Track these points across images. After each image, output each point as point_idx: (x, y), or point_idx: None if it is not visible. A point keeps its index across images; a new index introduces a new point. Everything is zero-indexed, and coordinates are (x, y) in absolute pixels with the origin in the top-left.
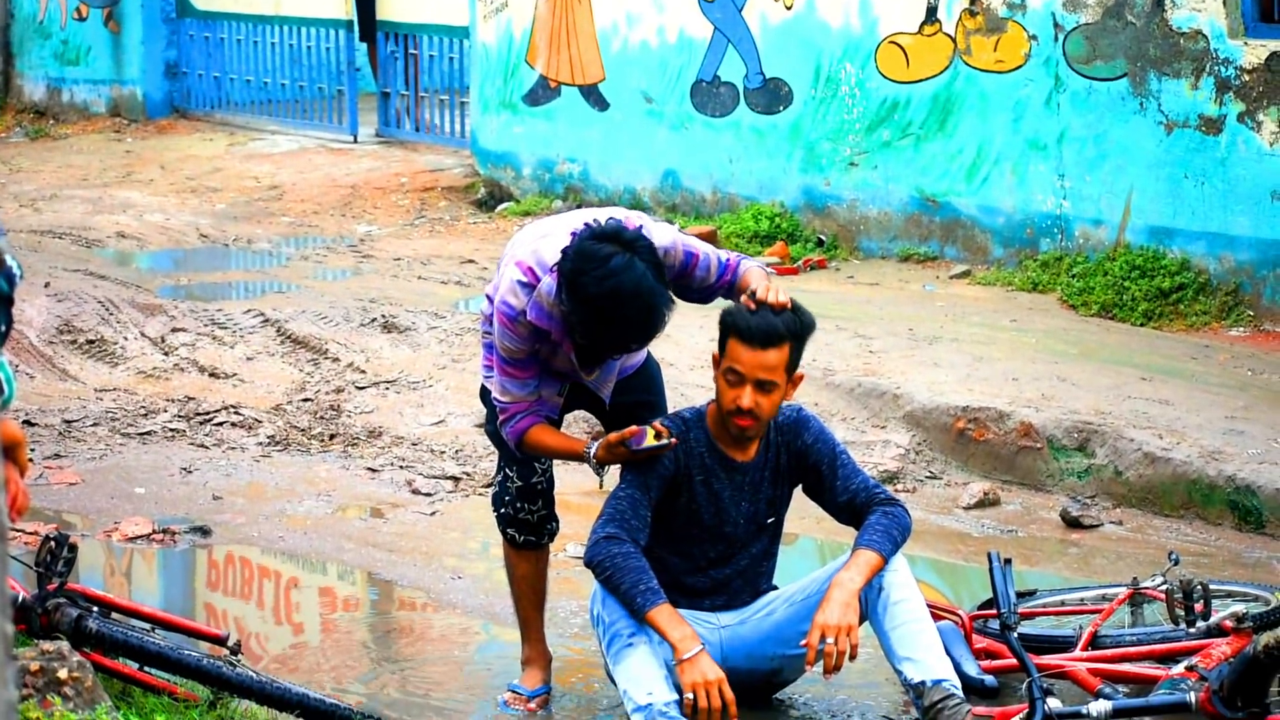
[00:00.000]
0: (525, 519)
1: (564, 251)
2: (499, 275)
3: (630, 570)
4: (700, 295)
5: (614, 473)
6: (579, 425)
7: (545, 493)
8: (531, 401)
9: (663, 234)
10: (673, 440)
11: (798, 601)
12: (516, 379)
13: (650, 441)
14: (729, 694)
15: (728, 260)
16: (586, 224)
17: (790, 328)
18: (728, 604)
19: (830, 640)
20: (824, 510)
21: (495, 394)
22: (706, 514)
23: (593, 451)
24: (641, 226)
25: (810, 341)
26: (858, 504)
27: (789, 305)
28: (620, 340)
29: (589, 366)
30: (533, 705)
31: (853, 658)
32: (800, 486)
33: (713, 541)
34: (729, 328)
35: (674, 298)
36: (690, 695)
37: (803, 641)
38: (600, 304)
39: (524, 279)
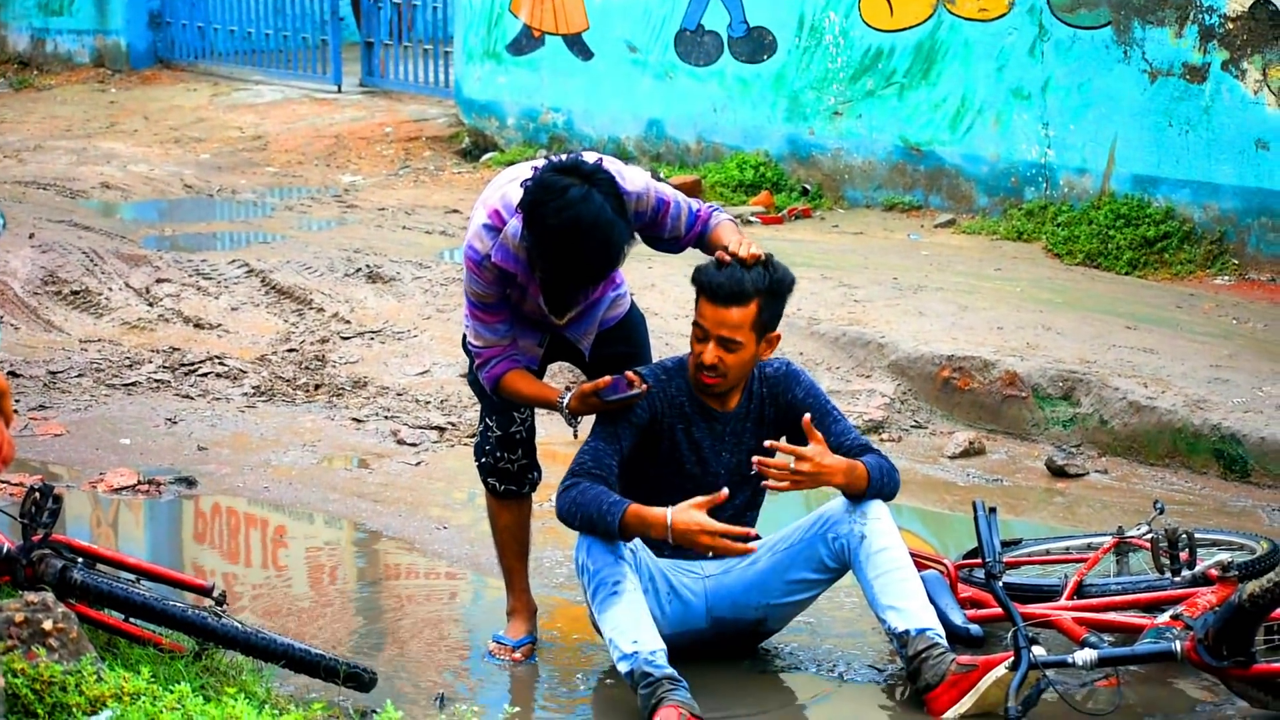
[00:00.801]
0: (505, 468)
1: (524, 185)
2: (470, 222)
3: (589, 498)
4: (670, 245)
5: (588, 423)
6: (564, 376)
7: (525, 442)
8: (505, 346)
9: (635, 178)
10: (645, 387)
11: (781, 550)
12: (487, 323)
13: (623, 391)
14: (719, 526)
15: (698, 210)
16: (548, 159)
17: (759, 284)
18: (713, 554)
19: (802, 452)
20: None
21: (469, 338)
22: (689, 462)
23: (566, 401)
24: (601, 160)
25: (793, 293)
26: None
27: (763, 259)
28: (579, 272)
29: (558, 311)
30: (517, 655)
31: (800, 609)
32: (788, 440)
33: (695, 491)
34: (697, 284)
35: (634, 231)
36: (706, 541)
37: (769, 443)
38: (558, 235)
39: (490, 222)
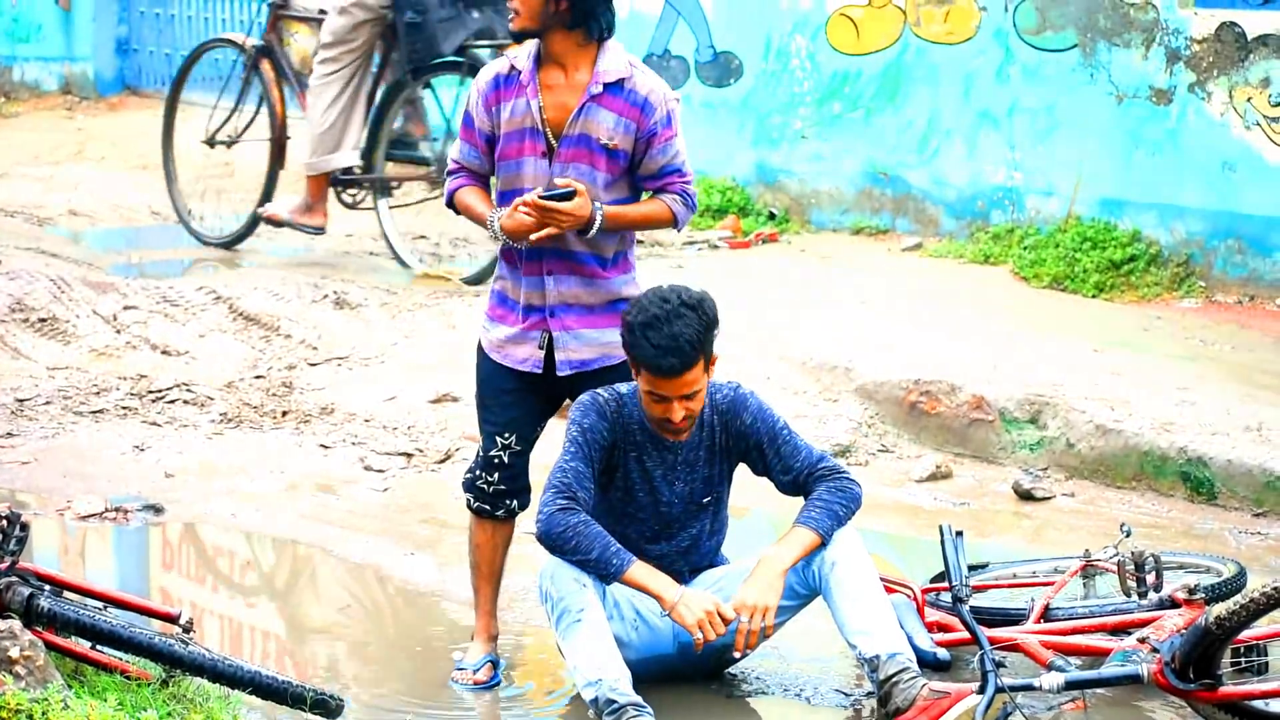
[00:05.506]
0: (481, 487)
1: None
2: None
3: (595, 536)
4: (642, 177)
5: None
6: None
7: (503, 467)
8: (472, 173)
9: (663, 83)
10: (579, 189)
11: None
12: (466, 140)
13: (558, 197)
14: (728, 613)
15: (688, 176)
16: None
17: (697, 338)
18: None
19: (744, 619)
20: (774, 487)
21: (450, 154)
22: (640, 491)
23: (497, 220)
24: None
25: (761, 316)
26: (802, 480)
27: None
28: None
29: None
30: (478, 676)
31: (766, 636)
32: (745, 466)
33: (649, 520)
34: (637, 360)
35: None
36: (699, 634)
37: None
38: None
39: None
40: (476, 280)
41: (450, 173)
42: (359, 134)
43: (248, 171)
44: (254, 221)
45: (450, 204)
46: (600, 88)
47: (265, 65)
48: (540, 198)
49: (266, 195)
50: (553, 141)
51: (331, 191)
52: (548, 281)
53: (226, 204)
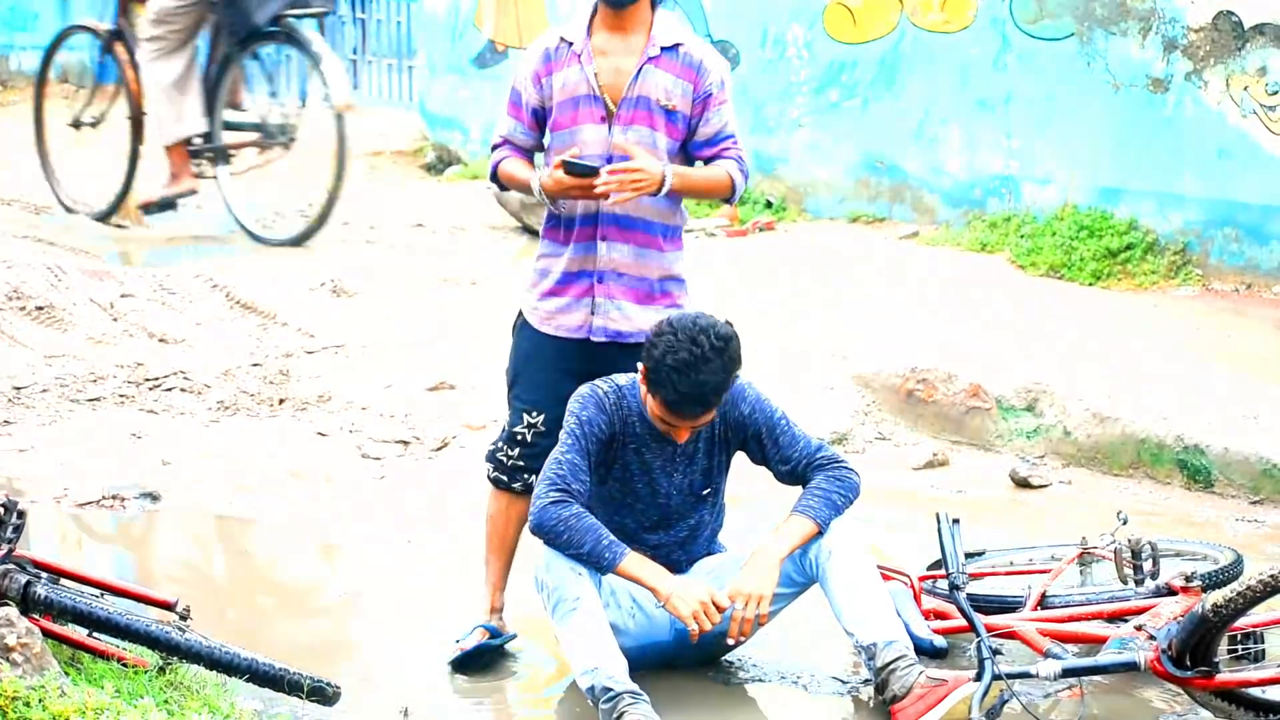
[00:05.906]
0: (500, 459)
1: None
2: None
3: (588, 530)
4: (698, 144)
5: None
6: None
7: (524, 444)
8: (515, 148)
9: (714, 51)
10: (604, 167)
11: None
12: (512, 115)
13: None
14: (723, 602)
15: (740, 150)
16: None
17: (721, 386)
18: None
19: (739, 607)
20: (772, 476)
21: (497, 131)
22: (639, 483)
23: (538, 183)
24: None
25: (758, 304)
26: (800, 470)
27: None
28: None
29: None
30: (465, 644)
31: (761, 624)
32: (744, 455)
33: (647, 511)
34: (657, 394)
35: None
36: (694, 625)
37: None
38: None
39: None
40: (302, 239)
41: (495, 147)
42: (199, 102)
43: (115, 149)
44: (122, 197)
45: (494, 177)
46: (658, 50)
47: (118, 48)
48: (564, 162)
49: (130, 169)
50: (611, 106)
51: None
52: (600, 246)
53: (97, 182)
